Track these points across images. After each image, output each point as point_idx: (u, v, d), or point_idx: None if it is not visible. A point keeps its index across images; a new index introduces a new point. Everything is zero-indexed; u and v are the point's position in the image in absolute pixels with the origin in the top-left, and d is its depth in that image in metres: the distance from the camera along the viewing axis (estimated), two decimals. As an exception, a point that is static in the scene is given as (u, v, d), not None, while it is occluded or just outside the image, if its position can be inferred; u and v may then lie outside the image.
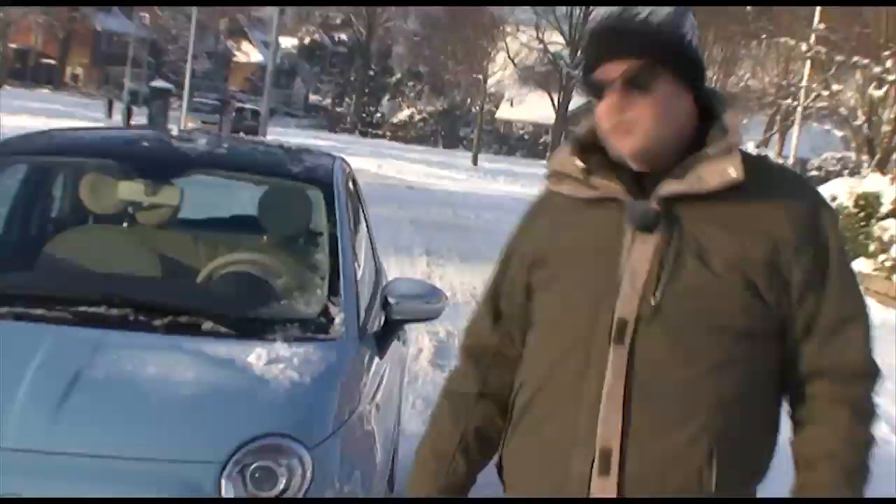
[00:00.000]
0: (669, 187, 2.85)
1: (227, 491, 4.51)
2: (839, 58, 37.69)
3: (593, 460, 2.83)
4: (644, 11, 2.82)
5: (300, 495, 4.59)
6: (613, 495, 2.81)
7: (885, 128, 36.25)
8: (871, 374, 2.95)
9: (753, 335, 2.85)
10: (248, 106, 73.94)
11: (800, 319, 2.88)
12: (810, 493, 2.88)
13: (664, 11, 2.83)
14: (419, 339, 12.16)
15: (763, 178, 2.90)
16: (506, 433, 3.13)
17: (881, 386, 2.99)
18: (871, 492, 4.89)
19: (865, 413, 2.93)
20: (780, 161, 50.15)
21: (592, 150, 3.00)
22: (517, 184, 50.63)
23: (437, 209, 30.65)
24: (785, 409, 3.06)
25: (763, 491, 3.04)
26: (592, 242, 2.97)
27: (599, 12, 2.98)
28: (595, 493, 2.83)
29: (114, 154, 7.14)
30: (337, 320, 5.56)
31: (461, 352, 3.40)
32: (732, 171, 2.81)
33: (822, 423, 2.90)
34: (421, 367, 11.53)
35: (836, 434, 2.87)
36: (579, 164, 3.00)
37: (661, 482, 2.81)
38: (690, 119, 2.93)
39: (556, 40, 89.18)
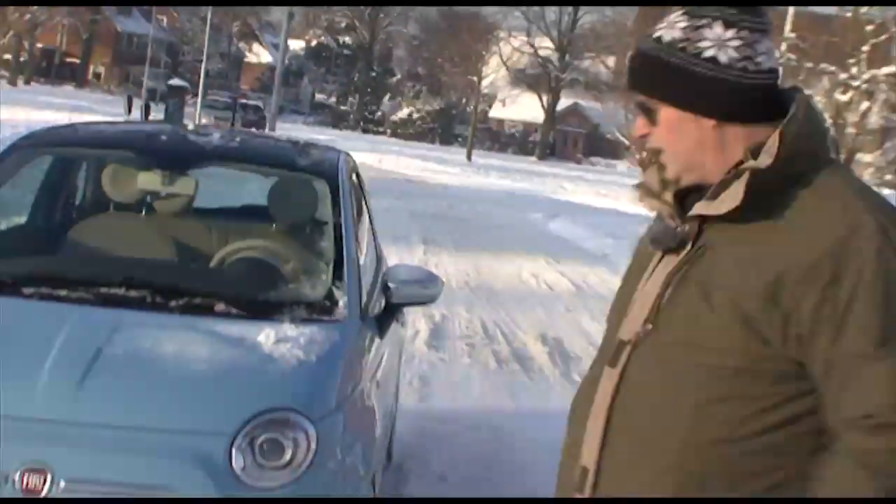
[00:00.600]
0: (699, 208, 2.64)
1: (237, 461, 4.53)
2: (808, 65, 37.82)
3: (578, 477, 2.75)
4: (660, 32, 2.68)
5: (305, 466, 4.60)
6: None
7: (850, 130, 36.22)
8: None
9: (750, 376, 2.53)
10: (251, 102, 73.59)
11: (817, 362, 2.49)
12: None
13: (677, 29, 2.65)
14: (416, 322, 12.14)
15: (796, 199, 2.54)
16: None
17: None
18: None
19: (880, 473, 2.43)
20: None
21: None
22: (508, 178, 50.65)
23: (433, 201, 30.58)
24: None
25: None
26: (638, 261, 2.87)
27: None
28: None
29: (133, 146, 7.17)
30: (341, 303, 5.57)
31: None
32: (736, 195, 2.53)
33: (824, 480, 2.50)
34: (417, 347, 11.53)
35: (840, 487, 2.46)
36: (665, 186, 2.76)
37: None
38: (721, 140, 2.64)
39: (545, 45, 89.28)
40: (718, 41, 2.57)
